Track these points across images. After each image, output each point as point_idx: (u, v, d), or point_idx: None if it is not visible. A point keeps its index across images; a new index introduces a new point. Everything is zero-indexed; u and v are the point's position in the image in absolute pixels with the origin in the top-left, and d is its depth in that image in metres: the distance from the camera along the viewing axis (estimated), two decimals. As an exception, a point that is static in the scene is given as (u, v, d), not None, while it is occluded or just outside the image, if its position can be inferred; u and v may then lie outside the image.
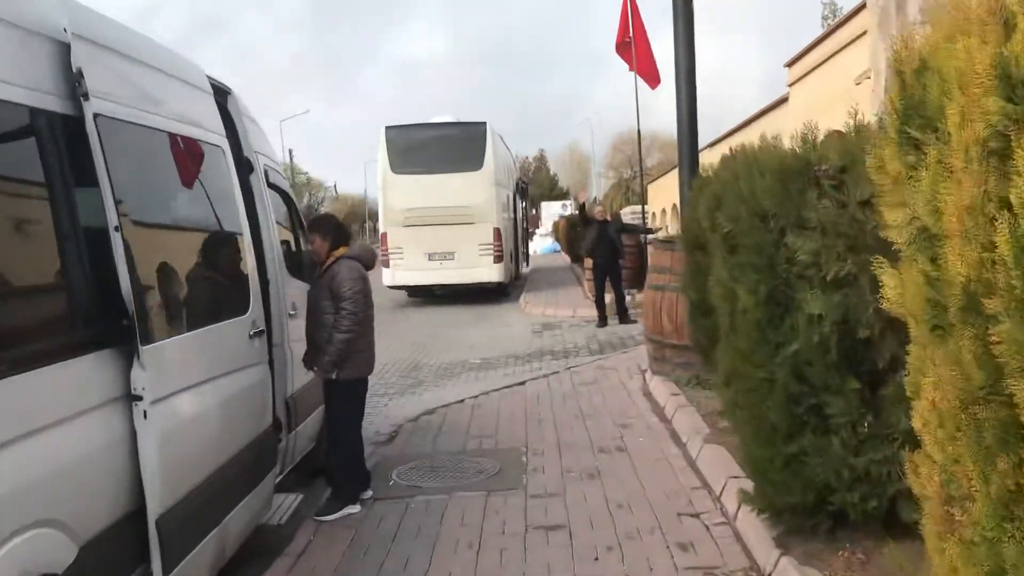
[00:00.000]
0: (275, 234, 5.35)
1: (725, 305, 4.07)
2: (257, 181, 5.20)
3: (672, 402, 6.52)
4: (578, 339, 11.83)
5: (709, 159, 24.30)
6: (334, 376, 5.01)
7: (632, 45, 13.47)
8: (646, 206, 48.97)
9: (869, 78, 14.71)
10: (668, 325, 6.95)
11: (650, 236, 14.08)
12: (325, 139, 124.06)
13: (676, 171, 33.64)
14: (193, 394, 3.56)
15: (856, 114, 3.99)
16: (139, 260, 3.18)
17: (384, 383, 9.44)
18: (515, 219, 22.66)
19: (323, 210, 68.81)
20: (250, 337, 4.33)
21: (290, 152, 56.94)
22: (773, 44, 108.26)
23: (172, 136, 3.83)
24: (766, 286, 3.65)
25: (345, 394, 5.10)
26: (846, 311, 3.44)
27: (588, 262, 16.61)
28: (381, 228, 18.38)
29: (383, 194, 18.27)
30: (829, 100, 17.39)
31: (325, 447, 5.56)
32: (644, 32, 13.72)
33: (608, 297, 13.10)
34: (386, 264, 18.04)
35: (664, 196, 44.21)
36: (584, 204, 14.42)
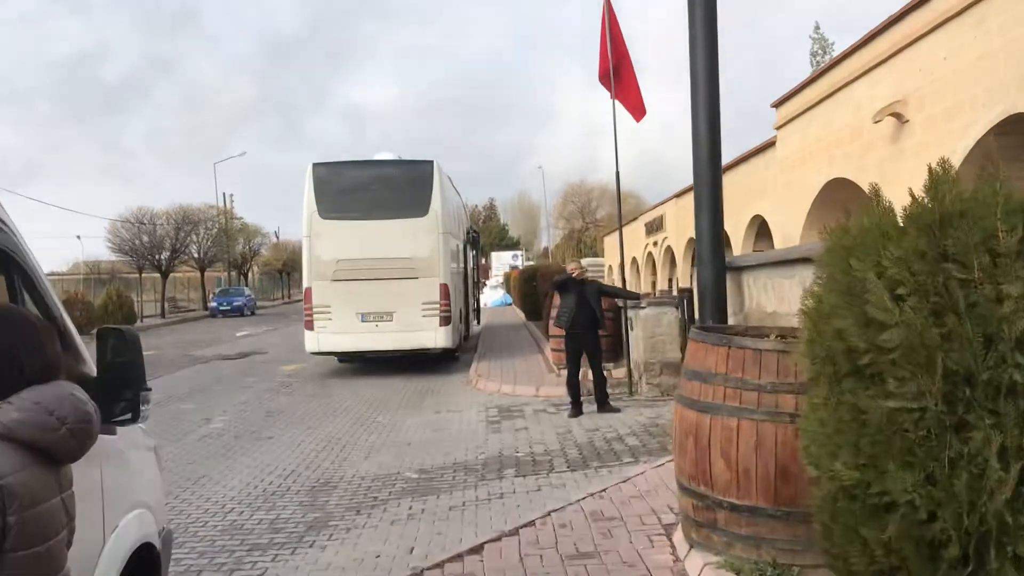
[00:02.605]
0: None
1: None
2: None
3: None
4: (548, 437, 8.97)
5: (672, 211, 21.85)
6: None
7: (613, 73, 10.97)
8: (601, 258, 46.76)
9: (895, 115, 12.43)
10: (724, 473, 4.15)
11: (635, 303, 11.37)
12: (271, 184, 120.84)
13: (634, 223, 31.31)
14: None
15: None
16: None
17: (273, 519, 6.45)
18: (465, 273, 19.88)
19: (259, 258, 65.37)
20: None
21: (225, 195, 53.55)
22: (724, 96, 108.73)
23: None
24: None
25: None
26: None
27: (553, 328, 13.88)
28: (305, 282, 15.42)
29: (308, 243, 15.34)
30: (829, 143, 15.14)
31: None
32: (628, 59, 11.22)
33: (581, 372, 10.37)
34: (309, 326, 15.07)
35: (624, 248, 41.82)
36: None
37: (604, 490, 5.95)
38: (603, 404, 10.14)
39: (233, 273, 58.22)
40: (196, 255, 48.32)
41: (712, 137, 6.68)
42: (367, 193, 15.23)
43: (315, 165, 15.46)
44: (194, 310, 49.00)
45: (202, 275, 50.82)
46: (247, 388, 14.45)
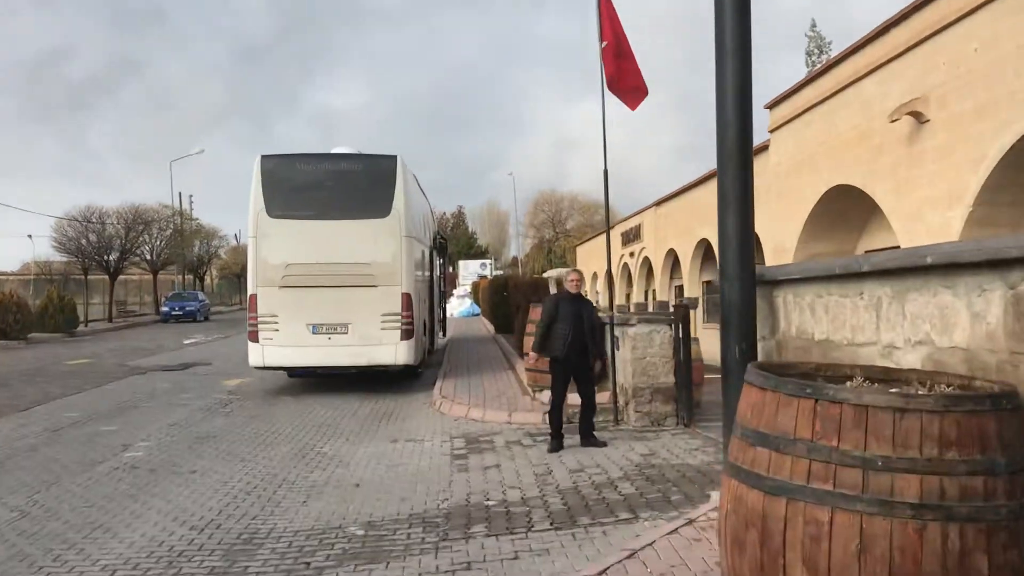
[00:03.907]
0: None
1: None
2: None
3: None
4: (525, 478, 7.52)
5: (651, 220, 20.60)
6: None
7: (614, 56, 9.64)
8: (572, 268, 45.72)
9: (914, 114, 11.20)
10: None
11: (623, 320, 9.97)
12: (236, 188, 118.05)
13: (612, 231, 30.43)
14: None
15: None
16: None
17: (170, 598, 4.94)
18: (431, 281, 18.39)
19: (216, 260, 63.13)
20: None
21: (180, 195, 51.41)
22: (683, 108, 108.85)
23: None
24: None
25: None
26: None
27: (529, 346, 12.46)
28: (250, 288, 13.81)
29: (254, 244, 13.75)
30: (832, 146, 13.89)
31: None
32: (626, 41, 9.88)
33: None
34: (253, 337, 13.48)
35: (596, 260, 40.72)
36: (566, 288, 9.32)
37: (604, 572, 4.51)
38: (588, 436, 8.75)
39: (189, 277, 56.03)
40: (148, 257, 46.18)
41: (742, 114, 5.33)
42: (322, 190, 13.70)
43: (264, 157, 13.90)
44: (145, 315, 46.85)
45: (155, 278, 48.64)
46: (181, 406, 12.83)
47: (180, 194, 51.86)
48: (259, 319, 13.52)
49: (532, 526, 6.02)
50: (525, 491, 7.04)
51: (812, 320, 4.82)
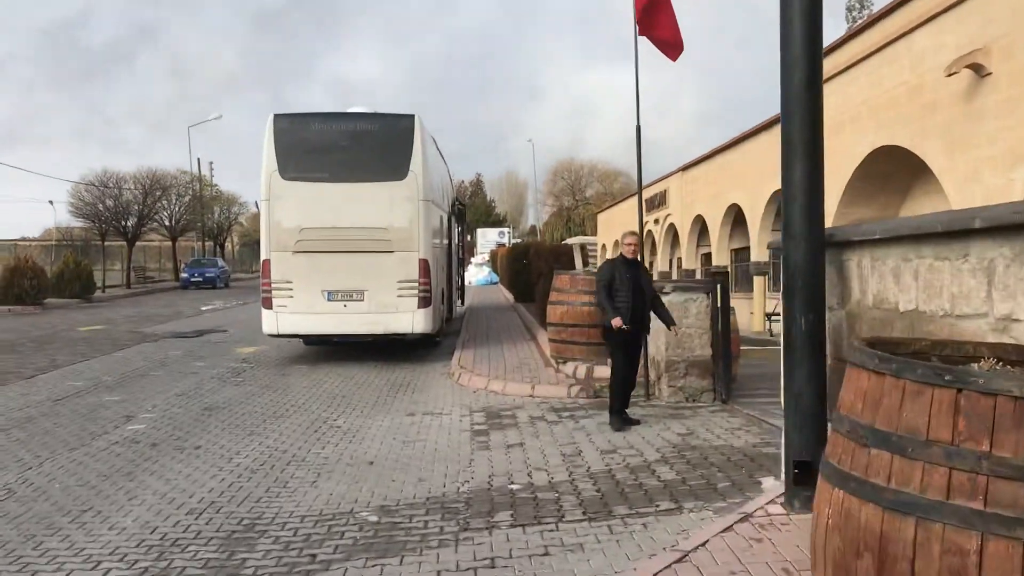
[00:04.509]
0: None
1: None
2: None
3: None
4: (552, 459, 6.92)
5: (677, 185, 19.67)
6: None
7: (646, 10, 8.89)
8: (595, 238, 44.75)
9: (973, 66, 10.31)
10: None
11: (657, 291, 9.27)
12: (255, 155, 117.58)
13: (631, 200, 29.52)
14: None
15: None
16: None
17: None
18: (449, 248, 17.76)
19: (237, 227, 62.78)
20: None
21: (199, 161, 50.93)
22: (705, 76, 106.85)
23: None
24: None
25: None
26: None
27: (553, 316, 11.81)
28: (263, 254, 13.23)
29: (267, 207, 13.14)
30: (877, 104, 13.04)
31: None
32: None
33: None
34: (267, 304, 12.93)
35: (618, 228, 39.66)
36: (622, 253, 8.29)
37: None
38: (622, 414, 8.11)
39: (209, 243, 55.73)
40: (167, 223, 45.82)
41: (811, 49, 4.61)
42: (337, 151, 13.05)
43: (277, 116, 13.25)
44: (165, 281, 46.61)
45: (174, 244, 48.33)
46: (192, 375, 12.33)
47: (199, 160, 51.48)
48: (273, 285, 12.96)
49: (563, 516, 5.41)
50: (553, 474, 6.43)
51: (896, 288, 4.12)
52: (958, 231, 3.58)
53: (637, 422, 8.06)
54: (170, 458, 7.35)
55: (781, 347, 5.24)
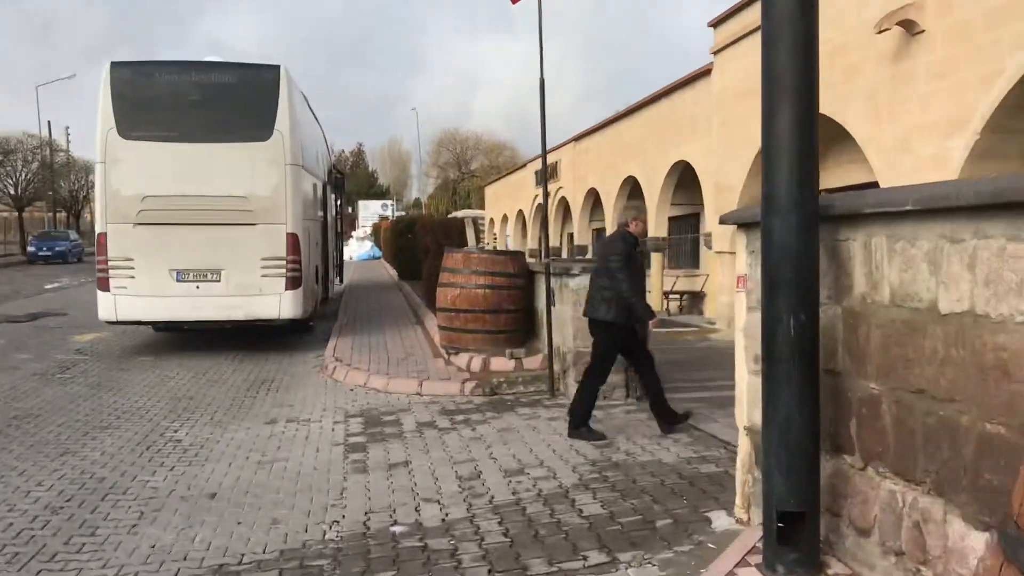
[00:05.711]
0: None
1: None
2: None
3: None
4: (445, 483, 5.55)
5: (569, 157, 18.41)
6: None
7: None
8: (483, 212, 43.44)
9: (904, 23, 9.37)
10: None
11: (563, 270, 8.02)
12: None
13: (521, 172, 28.23)
14: None
15: None
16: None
17: None
18: (325, 221, 16.04)
19: (90, 198, 58.00)
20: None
21: (48, 124, 46.44)
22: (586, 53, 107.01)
23: None
24: None
25: None
26: None
27: (442, 301, 10.39)
28: (98, 226, 11.23)
29: (103, 171, 11.13)
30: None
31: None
32: None
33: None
34: (103, 285, 11.00)
35: (507, 201, 38.55)
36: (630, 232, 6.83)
37: None
38: (668, 419, 6.70)
39: (62, 215, 51.19)
40: (12, 192, 41.53)
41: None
42: (188, 106, 11.15)
43: (114, 64, 11.21)
44: (11, 255, 42.34)
45: (20, 215, 43.95)
46: (11, 370, 10.30)
47: (49, 123, 46.92)
48: (110, 263, 11.00)
49: (461, 572, 4.06)
50: (448, 507, 5.08)
51: (932, 279, 2.95)
52: (992, 203, 2.41)
53: (602, 437, 6.57)
54: (-59, 495, 5.57)
55: (736, 347, 4.06)
